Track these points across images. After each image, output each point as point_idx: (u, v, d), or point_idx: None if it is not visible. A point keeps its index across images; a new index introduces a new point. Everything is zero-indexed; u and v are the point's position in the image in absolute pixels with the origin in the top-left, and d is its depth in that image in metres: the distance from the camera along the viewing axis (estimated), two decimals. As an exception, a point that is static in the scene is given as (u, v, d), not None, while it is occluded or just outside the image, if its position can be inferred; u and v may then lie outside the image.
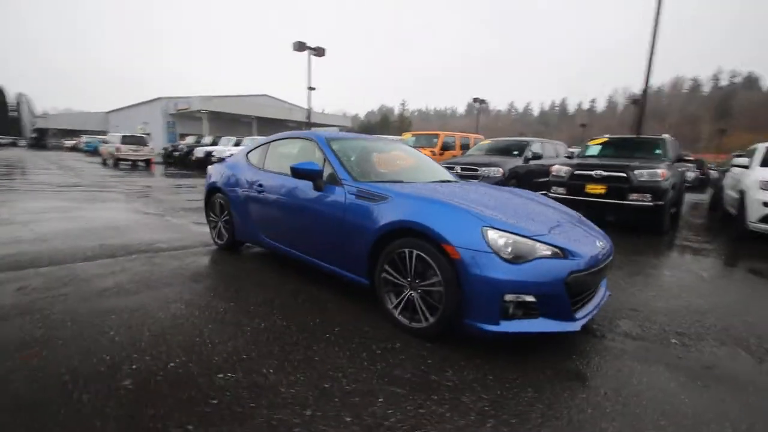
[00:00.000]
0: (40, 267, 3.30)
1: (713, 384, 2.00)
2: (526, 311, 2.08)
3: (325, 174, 2.95)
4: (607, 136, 8.52)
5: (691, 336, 2.55)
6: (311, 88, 42.21)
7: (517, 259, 2.05)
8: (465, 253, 2.06)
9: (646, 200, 6.19)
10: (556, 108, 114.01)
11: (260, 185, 3.50)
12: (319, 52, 19.97)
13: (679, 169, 7.41)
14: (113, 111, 49.76)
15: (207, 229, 4.95)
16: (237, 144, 17.86)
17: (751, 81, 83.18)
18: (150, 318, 2.44)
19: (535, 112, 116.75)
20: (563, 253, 2.15)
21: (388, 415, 1.63)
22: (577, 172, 6.79)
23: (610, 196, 6.39)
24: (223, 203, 4.00)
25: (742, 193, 6.13)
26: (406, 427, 1.56)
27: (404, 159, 3.76)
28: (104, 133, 37.10)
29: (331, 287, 3.09)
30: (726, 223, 7.36)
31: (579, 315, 2.21)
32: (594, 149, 7.93)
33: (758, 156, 6.65)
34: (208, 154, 17.52)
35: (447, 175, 3.68)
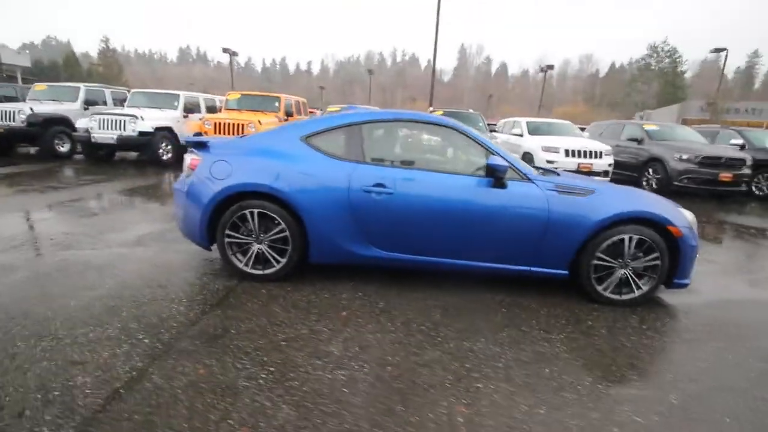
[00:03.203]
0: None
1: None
2: (687, 265, 2.96)
3: None
4: (432, 108, 10.29)
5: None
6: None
7: (693, 227, 2.86)
8: (684, 231, 2.69)
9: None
10: (278, 66, 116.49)
11: (381, 185, 2.68)
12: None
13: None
14: None
15: (149, 254, 3.31)
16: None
17: (414, 60, 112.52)
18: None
19: (258, 67, 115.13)
20: (690, 217, 3.12)
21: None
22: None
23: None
24: (274, 215, 2.72)
25: (528, 155, 9.11)
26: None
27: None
28: None
29: (497, 289, 2.95)
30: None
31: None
32: (436, 120, 9.48)
33: (524, 128, 9.90)
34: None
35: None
